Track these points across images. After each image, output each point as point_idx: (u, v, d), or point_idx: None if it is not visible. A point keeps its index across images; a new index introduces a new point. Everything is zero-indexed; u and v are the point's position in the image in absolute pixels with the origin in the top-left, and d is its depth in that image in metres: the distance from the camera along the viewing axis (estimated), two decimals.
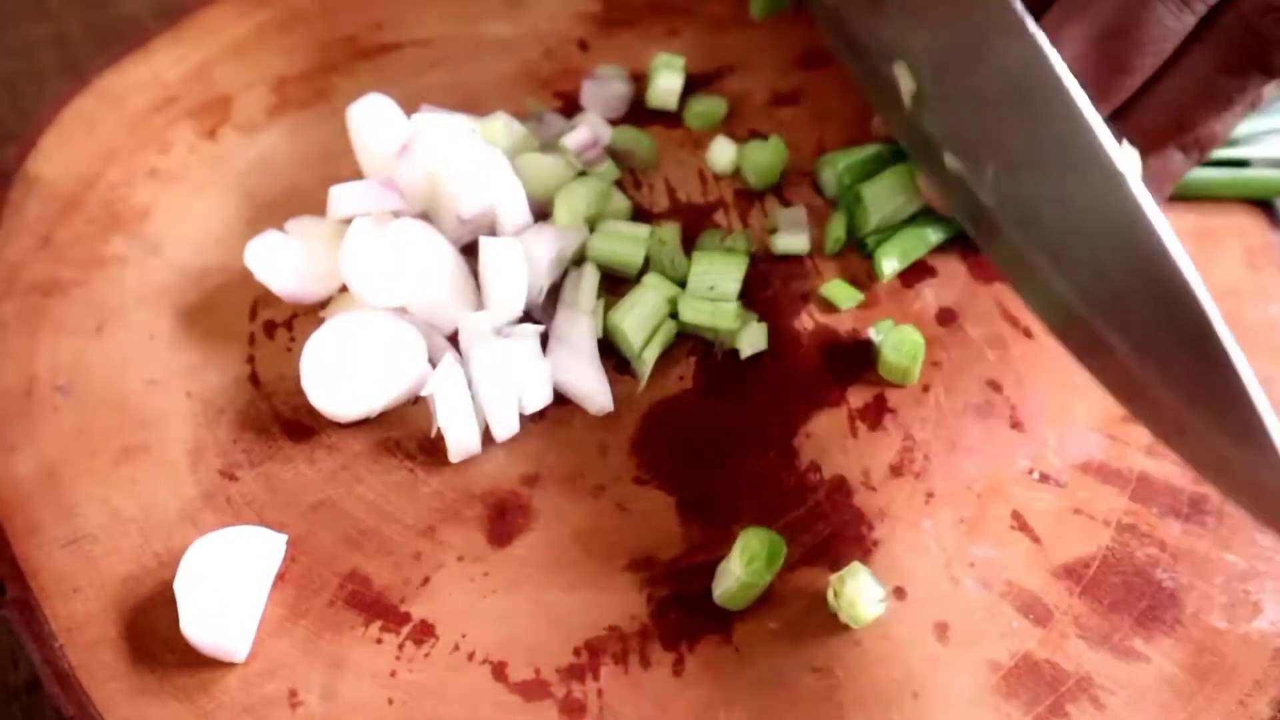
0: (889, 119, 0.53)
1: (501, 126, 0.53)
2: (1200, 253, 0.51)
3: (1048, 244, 0.43)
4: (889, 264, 0.52)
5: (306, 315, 0.51)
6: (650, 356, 0.49)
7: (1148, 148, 0.47)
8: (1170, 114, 0.47)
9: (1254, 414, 0.36)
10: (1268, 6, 0.43)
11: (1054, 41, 0.43)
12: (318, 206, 0.51)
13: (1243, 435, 0.36)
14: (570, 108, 0.58)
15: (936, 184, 0.51)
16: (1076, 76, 0.42)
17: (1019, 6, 0.43)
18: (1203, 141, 0.50)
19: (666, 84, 0.57)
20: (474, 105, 0.57)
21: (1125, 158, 0.40)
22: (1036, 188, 0.44)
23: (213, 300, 0.51)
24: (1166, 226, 0.39)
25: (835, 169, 0.54)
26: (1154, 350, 0.39)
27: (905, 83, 0.49)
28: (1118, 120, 0.47)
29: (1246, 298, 0.52)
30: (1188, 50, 0.45)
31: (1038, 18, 0.44)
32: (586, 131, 0.54)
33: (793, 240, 0.53)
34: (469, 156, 0.50)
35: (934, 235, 0.53)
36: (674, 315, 0.50)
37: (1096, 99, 0.43)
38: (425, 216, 0.51)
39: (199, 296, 0.51)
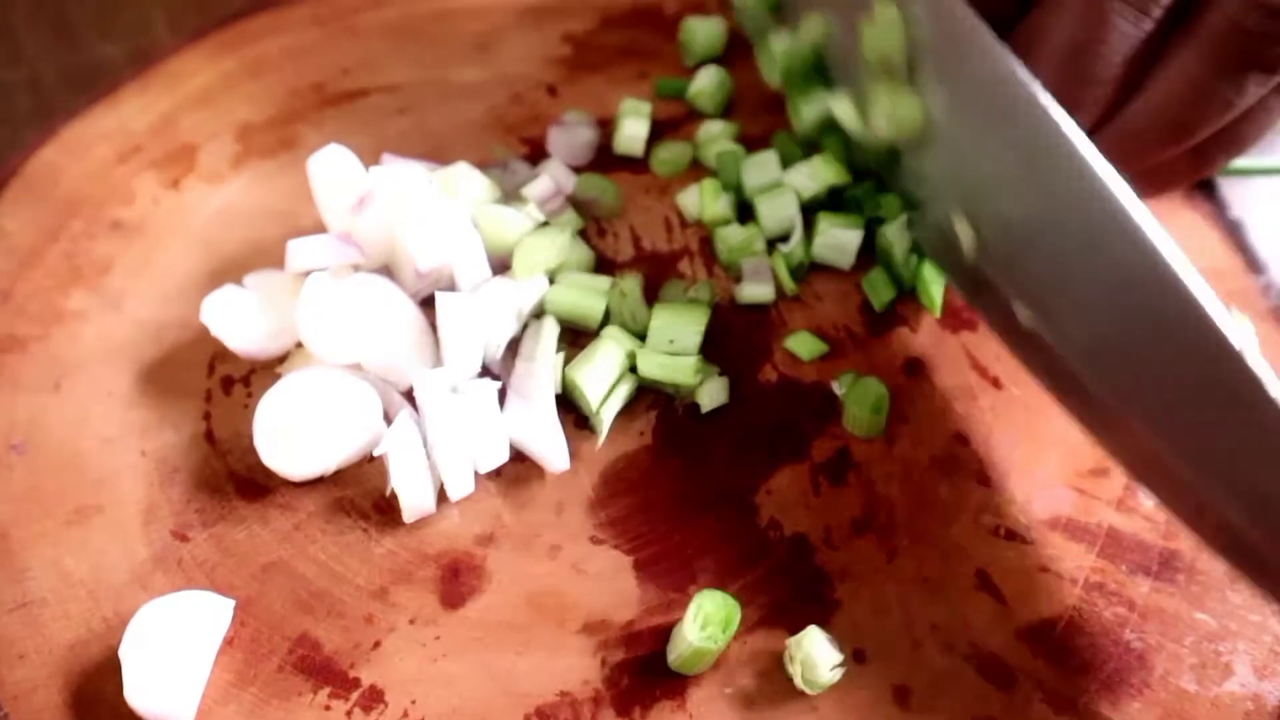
0: (942, 265, 0.51)
1: (462, 177, 0.52)
2: None
3: (1146, 411, 0.40)
4: (939, 290, 0.51)
5: (264, 371, 0.50)
6: (608, 413, 0.48)
7: (1145, 153, 0.46)
8: (1165, 119, 0.46)
9: None
10: (1253, 3, 0.42)
11: (1026, 67, 0.42)
12: (281, 259, 0.51)
13: None
14: (537, 154, 0.57)
15: (1000, 332, 0.48)
16: (1053, 97, 0.41)
17: (1096, 173, 0.40)
18: (1225, 145, 0.49)
19: (633, 130, 0.56)
20: (441, 152, 0.56)
21: (1240, 329, 0.38)
22: (1132, 356, 0.40)
23: (172, 356, 0.51)
24: None
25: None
26: (1266, 515, 0.38)
27: (965, 233, 0.47)
28: (1109, 128, 0.46)
29: None
30: (1176, 53, 0.44)
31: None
32: (548, 182, 0.53)
33: (757, 290, 0.52)
34: (427, 209, 0.49)
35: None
36: (635, 369, 0.49)
37: (1073, 112, 0.42)
38: (385, 270, 0.51)
39: (158, 352, 0.51)
